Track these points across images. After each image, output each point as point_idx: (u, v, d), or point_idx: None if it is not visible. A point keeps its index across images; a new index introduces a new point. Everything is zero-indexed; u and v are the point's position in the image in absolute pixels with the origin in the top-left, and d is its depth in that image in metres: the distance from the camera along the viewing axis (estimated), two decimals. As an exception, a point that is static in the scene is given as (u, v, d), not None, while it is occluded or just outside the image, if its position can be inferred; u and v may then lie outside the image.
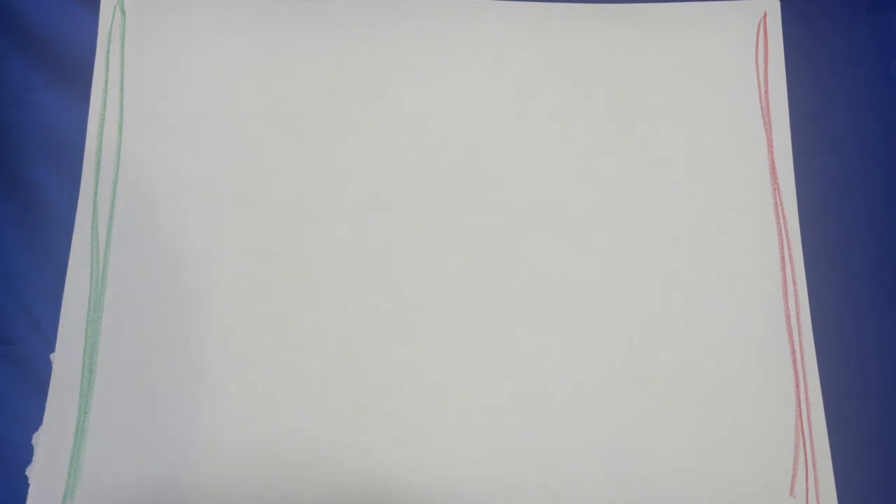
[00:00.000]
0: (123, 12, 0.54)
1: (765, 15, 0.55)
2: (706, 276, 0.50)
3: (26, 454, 0.46)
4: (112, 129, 0.51)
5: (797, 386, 0.48)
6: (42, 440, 0.46)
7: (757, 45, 0.55)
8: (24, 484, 0.45)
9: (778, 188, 0.52)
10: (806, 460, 0.47)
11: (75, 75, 0.52)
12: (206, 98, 0.52)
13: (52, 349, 0.47)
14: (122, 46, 0.53)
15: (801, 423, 0.47)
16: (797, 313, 0.49)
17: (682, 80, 0.54)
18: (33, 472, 0.45)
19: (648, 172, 0.52)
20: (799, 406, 0.48)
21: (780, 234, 0.51)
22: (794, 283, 0.50)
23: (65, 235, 0.49)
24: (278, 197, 0.51)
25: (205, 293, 0.49)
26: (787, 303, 0.49)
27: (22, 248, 0.50)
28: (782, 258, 0.50)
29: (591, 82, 0.54)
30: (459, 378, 0.48)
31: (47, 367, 0.47)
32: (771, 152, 0.52)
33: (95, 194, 0.50)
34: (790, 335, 0.49)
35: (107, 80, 0.52)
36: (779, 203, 0.51)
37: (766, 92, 0.54)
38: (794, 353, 0.49)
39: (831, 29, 0.55)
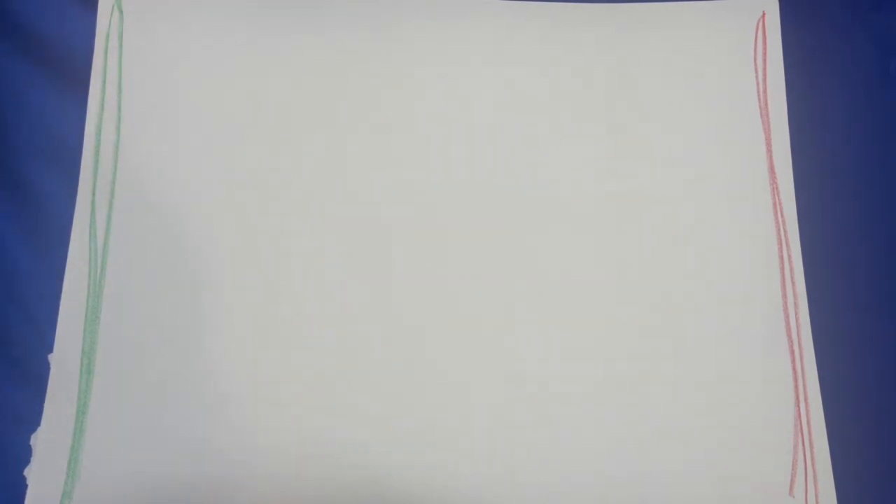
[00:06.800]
0: (121, 12, 0.53)
1: (763, 14, 0.55)
2: (704, 277, 0.50)
3: (24, 455, 0.46)
4: (110, 128, 0.51)
5: (796, 385, 0.48)
6: (40, 441, 0.46)
7: (755, 44, 0.55)
8: (22, 485, 0.45)
9: (777, 187, 0.52)
10: (805, 460, 0.47)
11: (73, 75, 0.52)
12: (205, 98, 0.52)
13: (50, 350, 0.47)
14: (120, 46, 0.53)
15: (800, 423, 0.47)
16: (796, 313, 0.49)
17: (680, 79, 0.54)
18: (31, 473, 0.45)
19: (646, 172, 0.52)
20: (798, 406, 0.48)
21: (778, 233, 0.51)
22: (793, 283, 0.50)
23: (62, 236, 0.49)
24: (278, 197, 0.51)
25: (204, 293, 0.49)
26: (785, 303, 0.49)
27: (19, 249, 0.50)
28: (781, 258, 0.50)
29: (589, 82, 0.54)
30: (460, 378, 0.48)
31: (45, 368, 0.47)
32: (769, 152, 0.52)
33: (93, 194, 0.50)
34: (789, 335, 0.49)
35: (104, 80, 0.52)
36: (777, 203, 0.51)
37: (765, 91, 0.54)
38: (792, 352, 0.49)
39: (830, 28, 0.55)
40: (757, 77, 0.54)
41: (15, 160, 0.51)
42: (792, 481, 0.46)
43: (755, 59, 0.54)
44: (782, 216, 0.51)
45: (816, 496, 0.46)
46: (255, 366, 0.48)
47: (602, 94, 0.53)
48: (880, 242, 0.51)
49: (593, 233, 0.51)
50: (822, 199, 0.52)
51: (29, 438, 0.46)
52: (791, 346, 0.49)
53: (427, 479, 0.46)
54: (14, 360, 0.48)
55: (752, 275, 0.50)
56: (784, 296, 0.50)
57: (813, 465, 0.47)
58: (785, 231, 0.51)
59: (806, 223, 0.51)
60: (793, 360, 0.48)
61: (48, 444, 0.46)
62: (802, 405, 0.48)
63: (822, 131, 0.53)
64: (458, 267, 0.50)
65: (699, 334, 0.49)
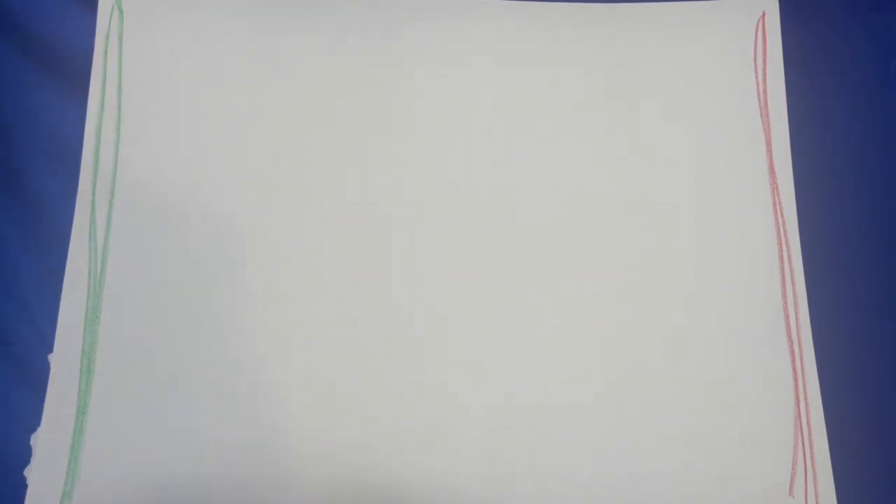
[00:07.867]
0: (121, 12, 0.53)
1: (763, 14, 0.55)
2: (704, 277, 0.50)
3: (24, 455, 0.46)
4: (110, 128, 0.51)
5: (796, 385, 0.48)
6: (40, 441, 0.46)
7: (755, 44, 0.55)
8: (22, 485, 0.45)
9: (777, 187, 0.52)
10: (805, 460, 0.47)
11: (73, 75, 0.52)
12: (205, 98, 0.52)
13: (51, 349, 0.47)
14: (120, 46, 0.53)
15: (800, 423, 0.47)
16: (796, 313, 0.49)
17: (680, 79, 0.54)
18: (31, 473, 0.45)
19: (646, 173, 0.52)
20: (798, 406, 0.48)
21: (778, 233, 0.51)
22: (793, 283, 0.50)
23: (63, 235, 0.49)
24: (278, 197, 0.51)
25: (204, 293, 0.49)
26: (785, 303, 0.49)
27: (20, 248, 0.50)
28: (781, 258, 0.50)
29: (589, 82, 0.54)
30: (460, 378, 0.48)
31: (45, 368, 0.47)
32: (769, 152, 0.52)
33: (93, 194, 0.50)
34: (789, 335, 0.49)
35: (104, 80, 0.52)
36: (777, 203, 0.51)
37: (765, 91, 0.54)
38: (792, 352, 0.49)
39: (830, 28, 0.55)
40: (757, 77, 0.54)
41: (15, 160, 0.51)
42: (792, 481, 0.46)
43: (755, 59, 0.54)
44: (782, 216, 0.51)
45: (816, 496, 0.46)
46: (256, 365, 0.48)
47: (602, 94, 0.53)
48: (880, 242, 0.51)
49: (593, 233, 0.51)
50: (822, 199, 0.52)
51: (29, 438, 0.46)
52: (791, 346, 0.49)
53: (428, 478, 0.46)
54: (14, 360, 0.48)
55: (752, 275, 0.50)
56: (784, 296, 0.50)
57: (813, 465, 0.47)
58: (785, 231, 0.51)
59: (806, 223, 0.51)
60: (793, 360, 0.48)
61: (48, 444, 0.46)
62: (802, 405, 0.48)
63: (822, 131, 0.53)
64: (458, 267, 0.50)
65: (699, 334, 0.49)
